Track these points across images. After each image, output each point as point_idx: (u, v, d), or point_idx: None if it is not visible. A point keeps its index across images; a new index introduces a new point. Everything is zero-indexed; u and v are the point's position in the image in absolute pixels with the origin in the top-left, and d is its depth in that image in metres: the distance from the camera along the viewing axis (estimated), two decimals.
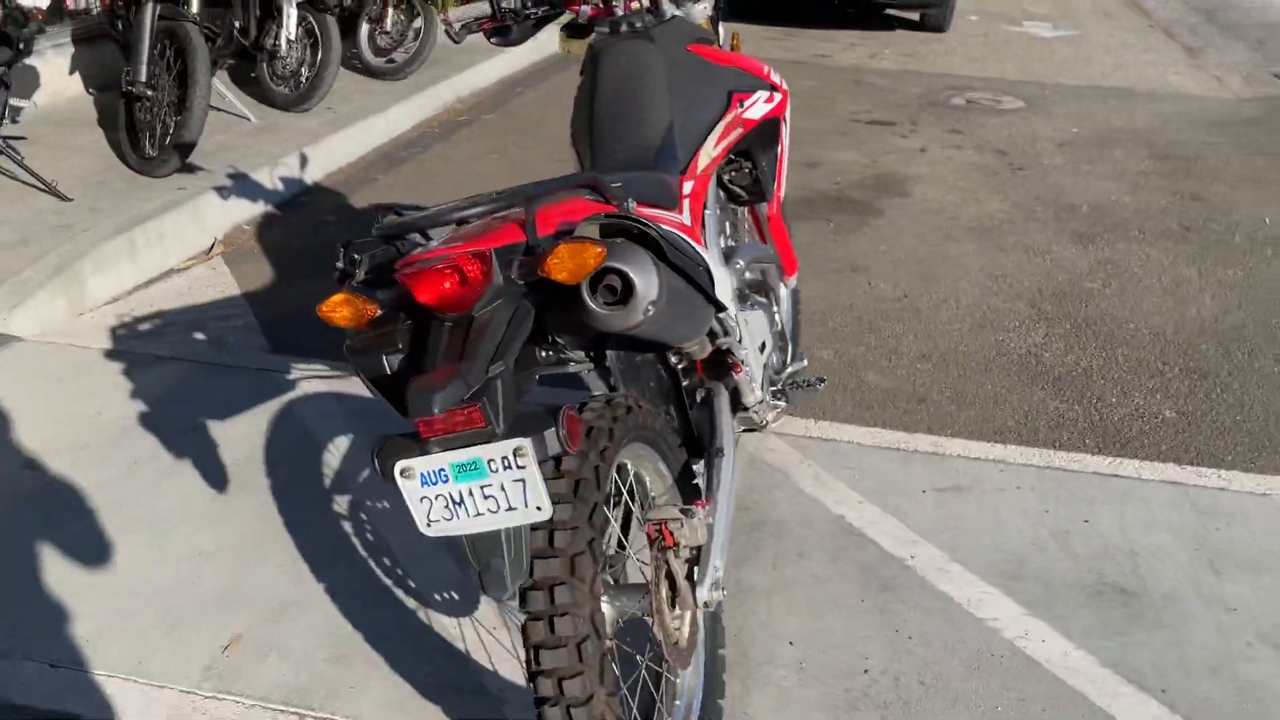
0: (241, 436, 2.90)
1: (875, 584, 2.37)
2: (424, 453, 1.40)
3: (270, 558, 2.45)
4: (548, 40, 7.68)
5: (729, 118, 2.28)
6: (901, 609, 2.29)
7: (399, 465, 1.41)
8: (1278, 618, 2.26)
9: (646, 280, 1.46)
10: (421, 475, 1.40)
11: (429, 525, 1.42)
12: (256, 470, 2.77)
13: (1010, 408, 3.14)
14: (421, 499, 1.41)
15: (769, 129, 2.45)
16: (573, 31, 2.54)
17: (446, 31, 2.53)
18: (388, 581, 2.39)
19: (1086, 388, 3.27)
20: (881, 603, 2.31)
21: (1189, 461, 2.84)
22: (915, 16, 9.28)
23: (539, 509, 1.39)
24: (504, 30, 2.49)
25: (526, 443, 1.37)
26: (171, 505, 2.62)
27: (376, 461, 1.43)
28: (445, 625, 2.26)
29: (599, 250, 1.41)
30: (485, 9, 2.47)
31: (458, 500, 1.40)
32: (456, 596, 2.34)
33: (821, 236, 4.50)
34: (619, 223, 1.56)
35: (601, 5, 2.39)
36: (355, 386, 3.14)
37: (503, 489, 1.39)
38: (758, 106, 2.36)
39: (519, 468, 1.38)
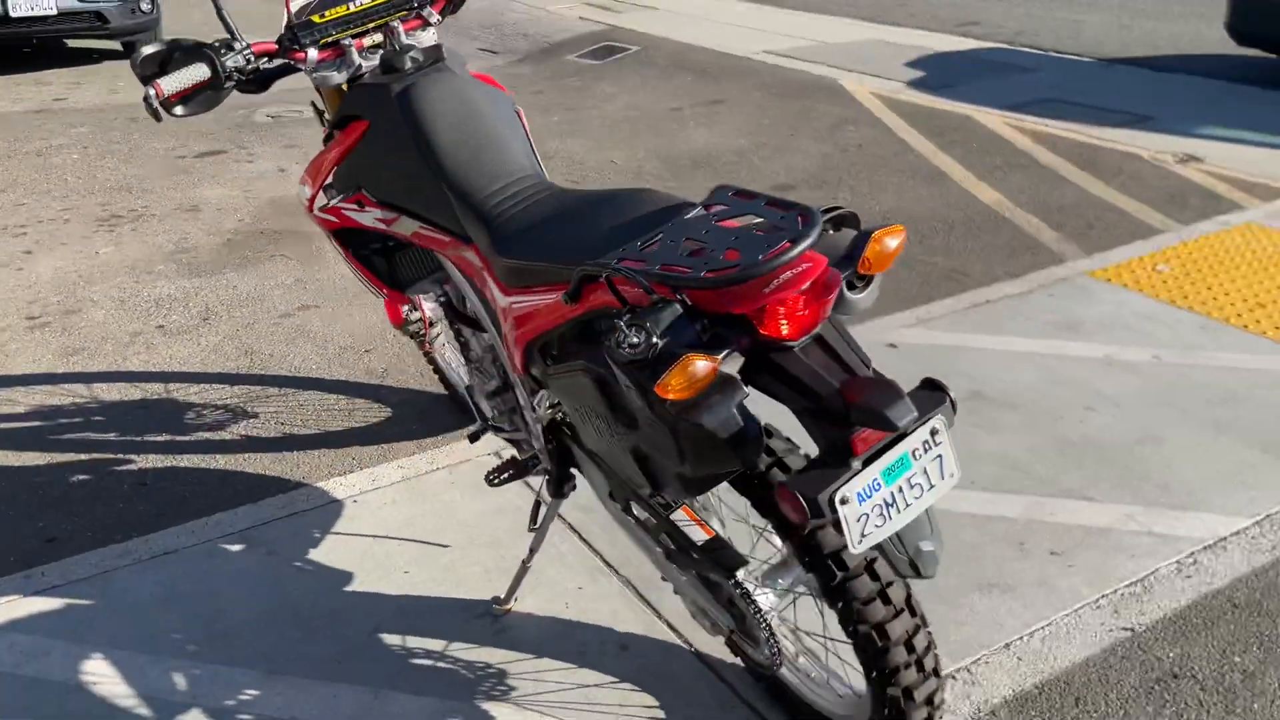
0: None
1: None
2: (854, 472, 1.36)
3: None
4: None
5: (527, 133, 2.26)
6: None
7: (839, 495, 1.34)
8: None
9: None
10: (858, 495, 1.36)
11: (861, 541, 1.38)
12: None
13: None
14: (859, 519, 1.37)
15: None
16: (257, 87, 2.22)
17: (150, 106, 2.01)
18: None
19: None
20: None
21: None
22: (119, 45, 8.66)
23: (953, 474, 1.45)
24: (194, 95, 2.09)
25: (940, 419, 1.42)
26: None
27: (807, 505, 1.34)
28: None
29: (903, 235, 1.48)
30: (197, 74, 2.03)
31: (890, 503, 1.39)
32: None
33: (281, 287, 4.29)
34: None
35: (330, 49, 2.16)
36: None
37: (924, 472, 1.42)
38: (524, 120, 2.36)
39: (936, 445, 1.42)
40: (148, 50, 2.11)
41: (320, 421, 3.15)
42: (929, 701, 1.60)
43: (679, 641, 2.22)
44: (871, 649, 1.56)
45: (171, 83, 2.03)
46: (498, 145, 2.04)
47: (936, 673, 1.61)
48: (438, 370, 3.19)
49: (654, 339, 1.34)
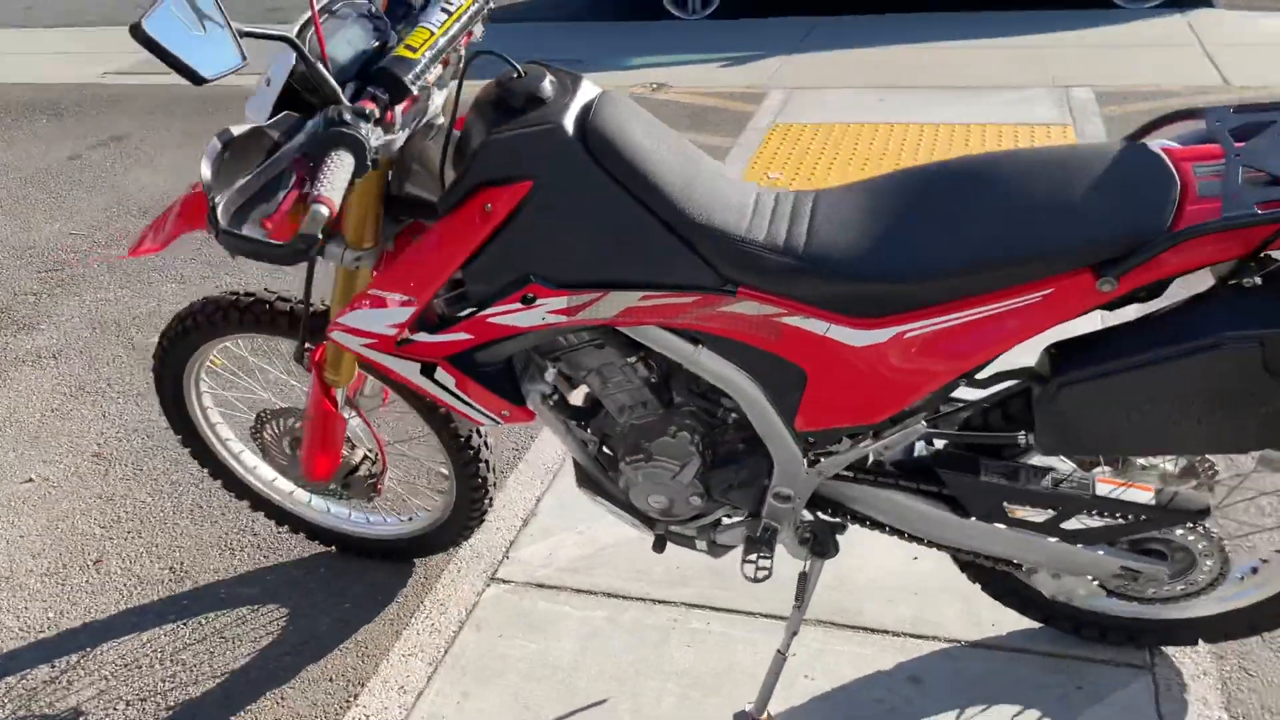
0: None
1: None
2: None
3: None
4: None
5: None
6: None
7: None
8: None
9: None
10: None
11: None
12: None
13: None
14: None
15: None
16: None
17: (307, 239, 1.17)
18: None
19: None
20: None
21: None
22: None
23: None
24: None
25: None
26: None
27: None
28: None
29: None
30: (347, 165, 1.25)
31: None
32: None
33: None
34: None
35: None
36: None
37: None
38: None
39: None
40: (215, 154, 1.21)
41: (204, 666, 2.12)
42: None
43: (944, 645, 2.03)
44: None
45: (334, 188, 1.20)
46: (709, 167, 1.58)
47: None
48: (305, 526, 2.35)
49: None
